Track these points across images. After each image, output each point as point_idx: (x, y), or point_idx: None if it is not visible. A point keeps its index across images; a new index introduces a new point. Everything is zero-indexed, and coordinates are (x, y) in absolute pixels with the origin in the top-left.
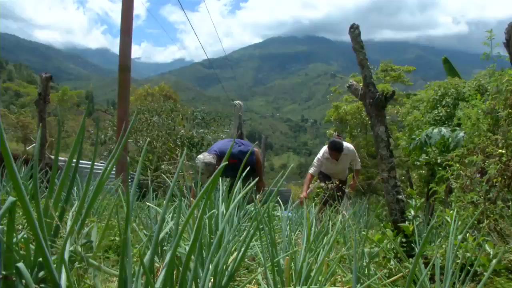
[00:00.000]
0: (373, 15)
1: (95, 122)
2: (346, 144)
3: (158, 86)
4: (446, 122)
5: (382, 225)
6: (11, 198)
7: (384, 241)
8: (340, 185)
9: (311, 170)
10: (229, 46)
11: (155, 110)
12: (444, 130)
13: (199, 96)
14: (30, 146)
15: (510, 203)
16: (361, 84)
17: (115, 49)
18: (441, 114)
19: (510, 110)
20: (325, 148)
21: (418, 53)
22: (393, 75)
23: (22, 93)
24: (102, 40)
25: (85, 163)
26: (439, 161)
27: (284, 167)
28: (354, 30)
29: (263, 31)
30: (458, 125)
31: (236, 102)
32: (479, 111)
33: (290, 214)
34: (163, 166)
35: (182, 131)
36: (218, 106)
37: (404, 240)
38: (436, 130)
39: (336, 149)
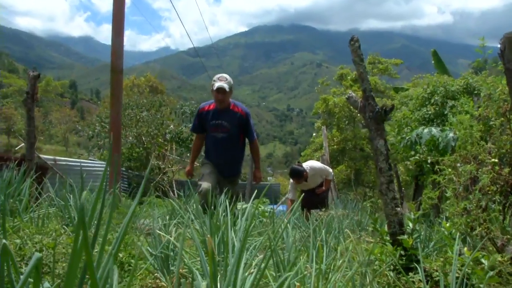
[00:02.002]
0: (359, 4)
1: (80, 112)
2: (312, 164)
3: (144, 77)
4: (434, 120)
5: (376, 228)
6: (37, 255)
7: (383, 253)
8: (317, 192)
9: (290, 196)
10: (214, 35)
11: (144, 105)
12: (434, 130)
13: (184, 85)
14: (19, 146)
15: (498, 209)
16: (356, 92)
17: (99, 37)
18: (430, 112)
19: (503, 119)
20: None
21: (403, 42)
22: (381, 67)
23: (4, 83)
24: (85, 27)
25: (74, 161)
26: (429, 160)
27: (270, 156)
28: (354, 42)
29: (249, 19)
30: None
31: None
32: (472, 118)
33: (282, 208)
34: (152, 162)
35: (172, 126)
36: (204, 96)
37: (403, 253)
38: (426, 130)
39: (293, 177)
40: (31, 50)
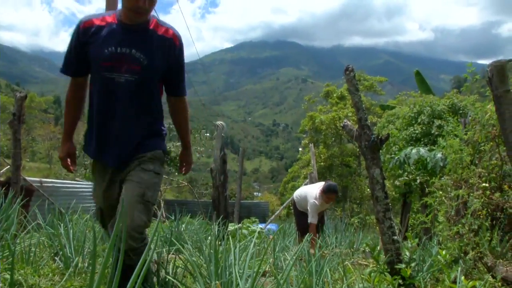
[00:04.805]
0: (343, 21)
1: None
2: None
3: None
4: (422, 140)
5: (375, 258)
6: None
7: (381, 283)
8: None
9: (314, 221)
10: (200, 50)
11: None
12: (422, 150)
13: None
14: (4, 169)
15: (485, 226)
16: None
17: None
18: (417, 131)
19: (492, 143)
20: (318, 194)
21: (386, 58)
22: (366, 84)
23: None
24: None
25: (60, 182)
26: (418, 181)
27: (257, 171)
28: (349, 72)
29: (234, 35)
30: (434, 143)
31: (219, 123)
32: (461, 142)
33: (273, 227)
34: None
35: None
36: (190, 111)
37: (401, 282)
38: (414, 150)
39: (335, 192)
40: (14, 64)
